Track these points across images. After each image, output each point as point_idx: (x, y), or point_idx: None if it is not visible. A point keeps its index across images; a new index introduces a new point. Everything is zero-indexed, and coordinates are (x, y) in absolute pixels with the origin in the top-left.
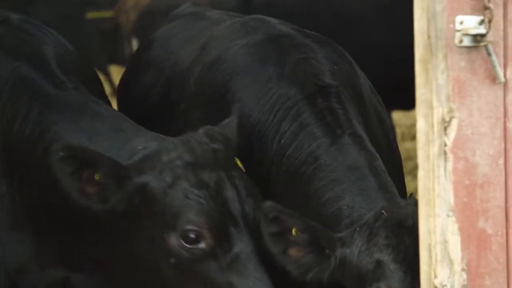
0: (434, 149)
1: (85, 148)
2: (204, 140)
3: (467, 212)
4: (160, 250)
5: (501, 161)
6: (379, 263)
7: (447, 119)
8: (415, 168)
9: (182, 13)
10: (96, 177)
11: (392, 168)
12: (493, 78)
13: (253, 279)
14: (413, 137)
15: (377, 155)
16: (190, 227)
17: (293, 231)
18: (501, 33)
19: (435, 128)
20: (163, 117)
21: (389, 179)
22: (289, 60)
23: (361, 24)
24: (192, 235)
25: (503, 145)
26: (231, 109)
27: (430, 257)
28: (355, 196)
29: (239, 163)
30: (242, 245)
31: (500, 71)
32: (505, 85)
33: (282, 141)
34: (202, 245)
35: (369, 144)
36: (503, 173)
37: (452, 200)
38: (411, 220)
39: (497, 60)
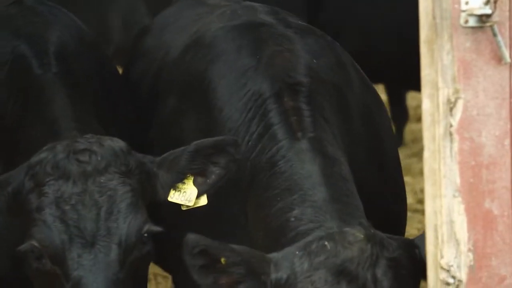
0: (440, 130)
1: None
2: (77, 148)
3: (473, 193)
4: (25, 262)
5: (507, 142)
6: None
7: (452, 100)
8: (421, 150)
9: None
10: None
11: (381, 172)
12: (499, 59)
13: None
14: (419, 119)
15: (342, 160)
16: (32, 243)
17: (222, 260)
18: (507, 13)
19: (441, 109)
20: (148, 111)
21: (349, 186)
22: (265, 53)
23: None
24: (34, 252)
25: (509, 126)
26: (206, 101)
27: (436, 237)
28: (305, 208)
29: (190, 181)
30: (84, 270)
31: (505, 52)
32: (510, 65)
33: (250, 143)
34: (43, 264)
35: (330, 149)
36: (509, 154)
37: (458, 180)
38: (355, 264)
39: (502, 41)
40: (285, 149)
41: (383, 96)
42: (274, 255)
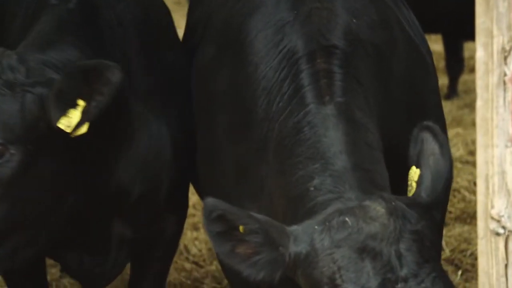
0: (493, 79)
1: None
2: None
3: None
4: None
5: None
6: None
7: (507, 48)
8: (473, 101)
9: None
10: None
11: None
12: None
13: None
14: (471, 70)
15: (370, 126)
16: None
17: (241, 228)
18: None
19: (495, 58)
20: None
21: (375, 154)
22: (303, 9)
23: None
24: None
25: None
26: (242, 54)
27: (487, 188)
28: (325, 177)
29: (79, 107)
30: None
31: None
32: None
33: (280, 104)
34: None
35: (358, 115)
36: None
37: (510, 130)
38: (378, 240)
39: None
40: (312, 114)
41: (439, 47)
42: (293, 228)
